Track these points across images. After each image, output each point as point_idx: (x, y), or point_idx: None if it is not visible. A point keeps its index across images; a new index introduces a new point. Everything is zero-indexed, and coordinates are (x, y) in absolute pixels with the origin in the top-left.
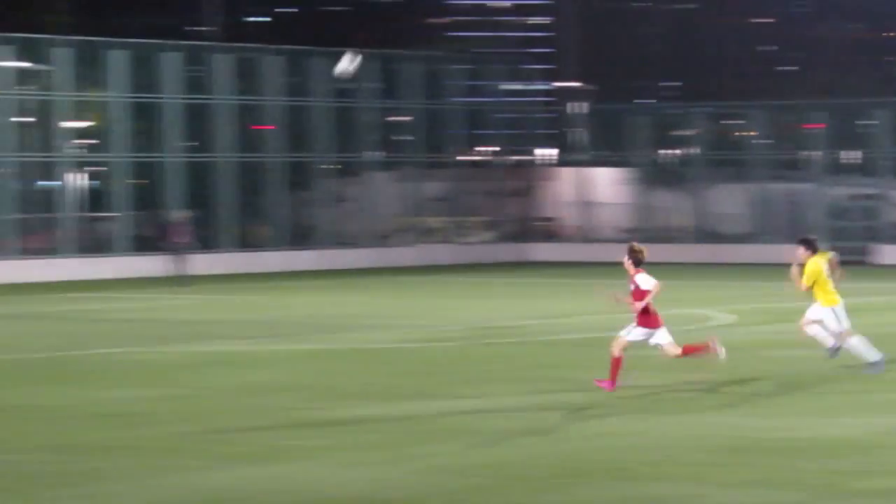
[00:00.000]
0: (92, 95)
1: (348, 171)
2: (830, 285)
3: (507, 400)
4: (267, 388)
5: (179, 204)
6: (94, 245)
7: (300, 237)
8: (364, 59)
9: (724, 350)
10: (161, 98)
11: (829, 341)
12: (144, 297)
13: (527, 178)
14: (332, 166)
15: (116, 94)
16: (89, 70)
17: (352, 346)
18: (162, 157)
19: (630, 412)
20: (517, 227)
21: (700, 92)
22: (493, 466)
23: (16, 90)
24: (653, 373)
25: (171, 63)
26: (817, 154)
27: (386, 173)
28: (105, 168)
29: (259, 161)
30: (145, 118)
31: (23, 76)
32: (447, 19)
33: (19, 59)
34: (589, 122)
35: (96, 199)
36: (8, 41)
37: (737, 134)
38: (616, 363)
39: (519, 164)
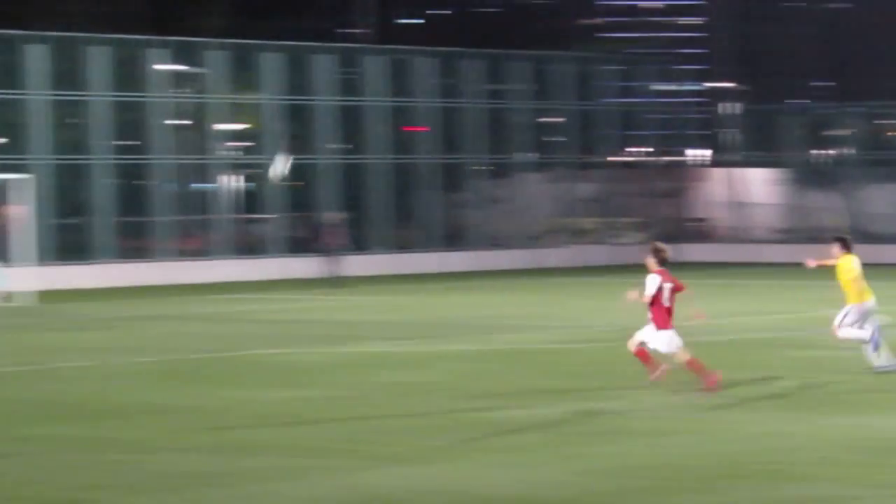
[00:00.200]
0: (246, 98)
1: (500, 172)
2: (863, 284)
3: (660, 400)
4: (420, 388)
5: (333, 206)
6: (249, 247)
7: (452, 238)
8: (292, 161)
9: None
10: (314, 100)
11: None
12: (298, 299)
13: (679, 178)
14: (484, 168)
15: (270, 96)
16: (243, 73)
17: (504, 348)
18: (315, 158)
19: (782, 411)
20: (669, 227)
21: (853, 91)
22: (647, 468)
23: (171, 93)
24: (802, 373)
25: (324, 65)
26: None
27: (538, 174)
28: (259, 170)
29: (412, 163)
30: (299, 120)
31: (178, 79)
32: (599, 20)
33: (175, 62)
34: (742, 123)
35: (250, 201)
36: (164, 45)
37: (890, 133)
38: (692, 363)
39: (671, 164)
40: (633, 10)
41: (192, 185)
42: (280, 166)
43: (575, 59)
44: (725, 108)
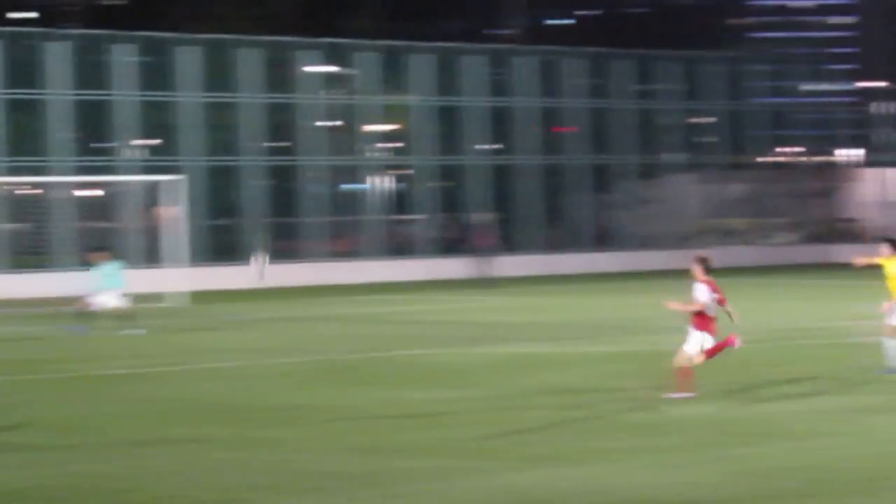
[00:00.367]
0: (396, 99)
1: (650, 173)
2: None
3: (815, 401)
4: (570, 389)
5: (483, 206)
6: (399, 247)
7: (601, 239)
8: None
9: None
10: (464, 101)
11: None
12: (449, 300)
13: (829, 179)
14: (633, 168)
15: (420, 97)
16: (393, 74)
17: (655, 349)
18: (465, 159)
19: None
20: (820, 228)
21: None
22: (804, 469)
23: (321, 95)
24: None
25: (473, 66)
26: None
27: (688, 175)
28: (409, 171)
29: (561, 163)
30: (448, 121)
31: (329, 81)
32: (749, 20)
33: (325, 64)
34: (895, 122)
35: (401, 201)
36: (314, 46)
37: None
38: (686, 372)
39: (822, 165)
40: (783, 10)
41: (342, 186)
42: (256, 267)
43: (725, 59)
44: (878, 107)
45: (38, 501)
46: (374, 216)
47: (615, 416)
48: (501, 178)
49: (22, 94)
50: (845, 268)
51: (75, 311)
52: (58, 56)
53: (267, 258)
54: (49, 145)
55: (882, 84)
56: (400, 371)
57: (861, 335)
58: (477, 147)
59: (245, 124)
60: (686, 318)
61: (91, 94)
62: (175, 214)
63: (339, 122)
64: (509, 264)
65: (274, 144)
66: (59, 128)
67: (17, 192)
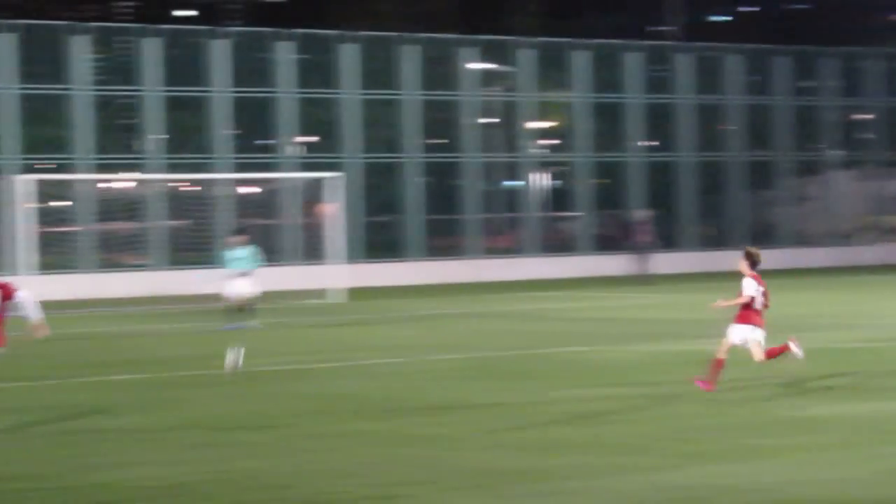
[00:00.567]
0: (556, 96)
1: (809, 169)
2: None
3: None
4: (727, 386)
5: (641, 203)
6: (557, 244)
7: (761, 236)
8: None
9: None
10: (623, 98)
11: None
12: (606, 297)
13: None
14: (792, 165)
15: (579, 94)
16: (552, 71)
17: (813, 346)
18: (624, 156)
19: None
20: None
21: None
22: None
23: (481, 92)
24: None
25: (633, 63)
26: None
27: (848, 172)
28: (567, 168)
29: (720, 160)
30: (606, 118)
31: (488, 78)
32: None
33: (484, 61)
34: None
35: (559, 198)
36: (473, 43)
37: None
38: (719, 363)
39: None
40: None
41: (501, 183)
42: (232, 358)
43: (886, 55)
44: None
45: (199, 496)
46: (532, 213)
47: (770, 412)
48: (659, 174)
49: (183, 91)
50: None
51: (226, 309)
52: (219, 54)
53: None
54: (210, 143)
55: None
56: (557, 368)
57: None
58: (635, 144)
59: (404, 121)
60: (732, 314)
61: (252, 92)
62: (333, 211)
63: (497, 119)
64: (666, 261)
65: (433, 141)
66: (220, 125)
67: (181, 188)
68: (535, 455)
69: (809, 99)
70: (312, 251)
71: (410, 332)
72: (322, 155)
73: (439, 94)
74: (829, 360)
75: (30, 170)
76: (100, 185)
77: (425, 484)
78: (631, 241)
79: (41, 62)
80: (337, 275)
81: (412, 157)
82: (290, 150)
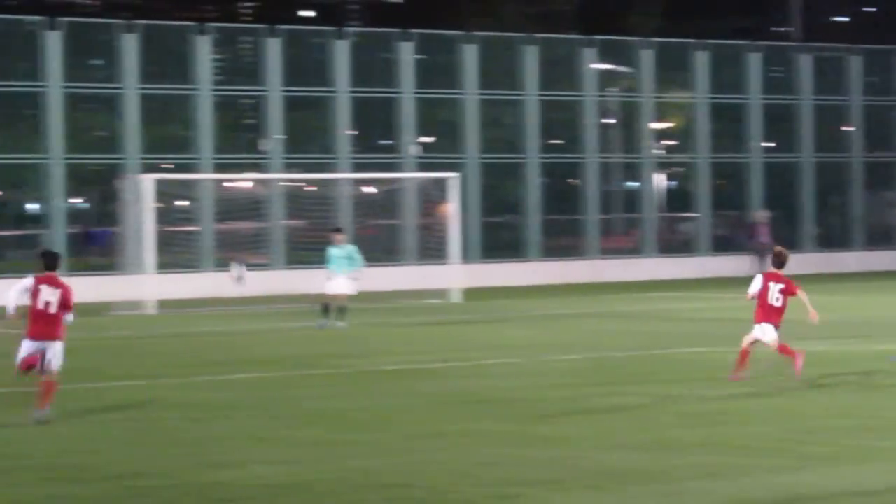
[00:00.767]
0: (674, 97)
1: None
2: None
3: None
4: (848, 388)
5: (759, 204)
6: (675, 245)
7: (879, 237)
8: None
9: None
10: (743, 99)
11: None
12: (725, 297)
13: None
14: None
15: (698, 95)
16: (671, 71)
17: None
18: (743, 157)
19: None
20: None
21: None
22: None
23: (601, 92)
24: None
25: (752, 64)
26: None
27: None
28: (685, 169)
29: (839, 161)
30: (725, 119)
31: (607, 78)
32: None
33: (604, 61)
34: None
35: (677, 199)
36: (593, 44)
37: None
38: (745, 354)
39: None
40: None
41: (620, 183)
42: (235, 273)
43: None
44: None
45: (314, 495)
46: (651, 214)
47: (888, 414)
48: (778, 175)
49: (304, 91)
50: None
51: (324, 306)
52: (339, 54)
53: (244, 266)
54: (330, 143)
55: None
56: (675, 368)
57: None
58: (755, 144)
59: (524, 122)
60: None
61: (372, 92)
62: (452, 211)
63: (616, 120)
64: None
65: (552, 142)
66: (340, 125)
67: (305, 188)
68: (654, 455)
69: None
70: (431, 251)
71: (528, 332)
72: (441, 155)
73: (558, 95)
74: None
75: (151, 169)
76: (222, 184)
77: (542, 484)
78: (751, 242)
79: (163, 63)
80: (454, 275)
81: (531, 157)
82: (410, 150)
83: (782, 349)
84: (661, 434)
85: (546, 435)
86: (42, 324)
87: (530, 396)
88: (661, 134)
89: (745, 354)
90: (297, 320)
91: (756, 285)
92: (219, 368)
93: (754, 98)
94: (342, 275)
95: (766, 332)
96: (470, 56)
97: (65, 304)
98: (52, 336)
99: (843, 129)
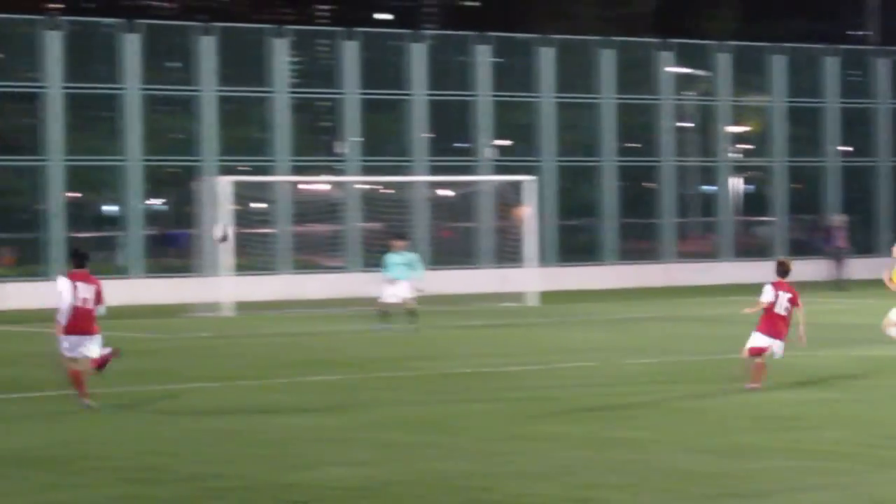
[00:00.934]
0: (751, 100)
1: None
2: None
3: None
4: None
5: (836, 208)
6: (752, 249)
7: None
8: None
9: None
10: (820, 102)
11: None
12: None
13: None
14: None
15: (775, 98)
16: (748, 75)
17: None
18: (820, 161)
19: None
20: None
21: None
22: None
23: (676, 95)
24: None
25: (829, 67)
26: None
27: None
28: (762, 172)
29: None
30: (803, 123)
31: (683, 81)
32: None
33: (680, 64)
34: None
35: (753, 202)
36: (669, 47)
37: None
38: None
39: None
40: None
41: (697, 187)
42: (220, 233)
43: None
44: None
45: (390, 497)
46: (727, 217)
47: None
48: (855, 179)
49: (380, 94)
50: None
51: (381, 311)
52: (416, 57)
53: (228, 226)
54: (406, 146)
55: None
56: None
57: None
58: (832, 148)
59: (600, 125)
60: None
61: (448, 95)
62: (528, 214)
63: (693, 123)
64: (864, 266)
65: (628, 145)
66: (416, 128)
67: (381, 191)
68: (730, 460)
69: None
70: (507, 254)
71: (604, 335)
72: (517, 158)
73: (635, 98)
74: None
75: (228, 171)
76: (298, 187)
77: (621, 487)
78: (829, 246)
79: (240, 65)
80: (531, 278)
81: (608, 160)
82: (486, 154)
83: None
84: (736, 438)
85: (623, 437)
86: (80, 319)
87: (605, 399)
88: (738, 137)
89: (759, 367)
90: (372, 323)
91: (769, 295)
92: (295, 370)
93: (831, 102)
94: (403, 281)
95: (774, 348)
96: (546, 59)
97: (98, 299)
98: (90, 331)
99: None
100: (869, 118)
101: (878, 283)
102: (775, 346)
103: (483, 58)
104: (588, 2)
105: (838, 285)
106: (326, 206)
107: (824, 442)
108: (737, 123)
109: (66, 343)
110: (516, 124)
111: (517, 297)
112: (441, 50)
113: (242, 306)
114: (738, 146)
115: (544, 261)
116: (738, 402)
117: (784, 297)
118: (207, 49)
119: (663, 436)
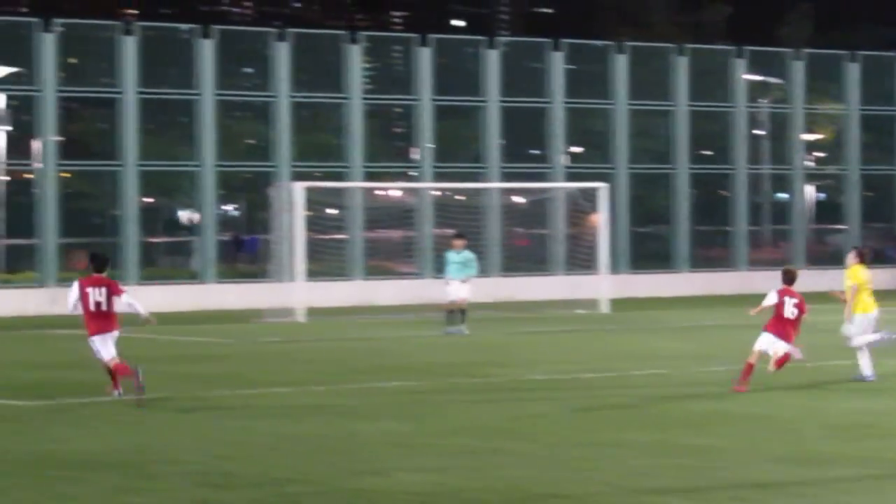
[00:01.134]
0: (825, 108)
1: None
2: (868, 294)
3: None
4: None
5: None
6: (824, 257)
7: None
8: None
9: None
10: (895, 111)
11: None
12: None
13: None
14: None
15: (849, 106)
16: (822, 83)
17: None
18: (894, 169)
19: None
20: None
21: None
22: None
23: (750, 103)
24: None
25: None
26: None
27: None
28: (835, 180)
29: None
30: (877, 130)
31: (757, 89)
32: None
33: (755, 72)
34: None
35: (826, 210)
36: (742, 54)
37: None
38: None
39: None
40: None
41: (770, 194)
42: (186, 217)
43: None
44: None
45: (456, 502)
46: (800, 225)
47: None
48: None
49: (453, 101)
50: None
51: (449, 313)
52: (490, 63)
53: (197, 213)
54: (479, 152)
55: None
56: (824, 380)
57: None
58: None
59: (674, 132)
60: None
61: (522, 102)
62: (600, 221)
63: (766, 131)
64: None
65: (701, 152)
66: (490, 135)
67: (454, 197)
68: (804, 468)
69: None
70: (579, 261)
71: (675, 343)
72: (590, 165)
73: (709, 105)
74: None
75: (301, 177)
76: (371, 192)
77: (687, 492)
78: None
79: (314, 71)
80: (603, 285)
81: (681, 167)
82: (559, 160)
83: (778, 364)
84: (807, 446)
85: (693, 445)
86: (99, 320)
87: (676, 406)
88: (812, 145)
89: (749, 368)
90: (443, 328)
91: (772, 299)
92: (366, 376)
93: None
94: (456, 279)
95: (776, 347)
96: (620, 66)
97: (114, 293)
98: (110, 329)
99: None
100: None
101: None
102: (779, 346)
103: (556, 64)
104: (662, 9)
105: None
106: (399, 212)
107: (894, 451)
108: (810, 131)
109: (94, 346)
110: (589, 131)
111: (589, 304)
112: (515, 56)
113: (314, 312)
114: (812, 154)
115: (616, 268)
116: (807, 410)
117: (791, 302)
118: (282, 55)
119: (733, 444)
